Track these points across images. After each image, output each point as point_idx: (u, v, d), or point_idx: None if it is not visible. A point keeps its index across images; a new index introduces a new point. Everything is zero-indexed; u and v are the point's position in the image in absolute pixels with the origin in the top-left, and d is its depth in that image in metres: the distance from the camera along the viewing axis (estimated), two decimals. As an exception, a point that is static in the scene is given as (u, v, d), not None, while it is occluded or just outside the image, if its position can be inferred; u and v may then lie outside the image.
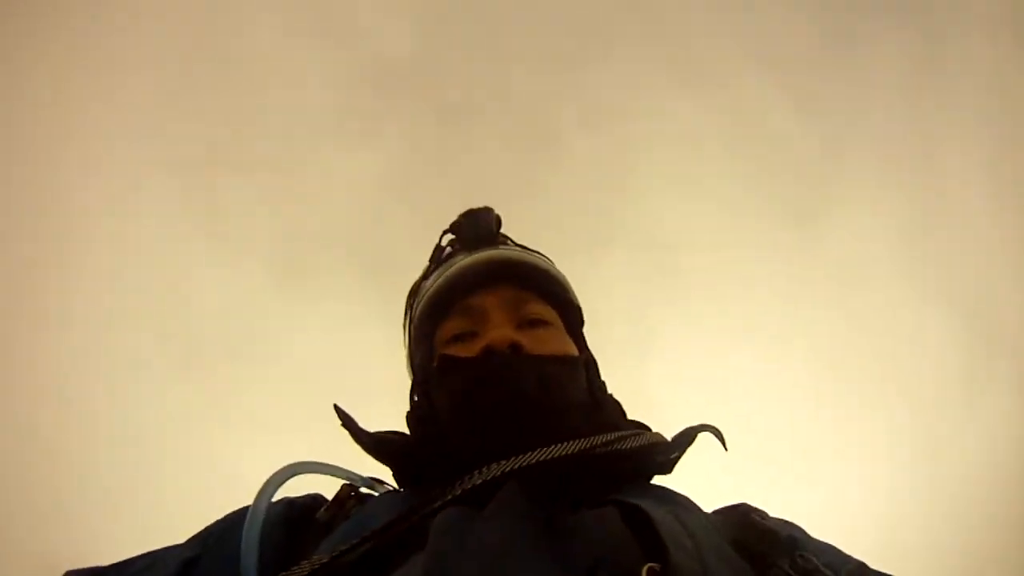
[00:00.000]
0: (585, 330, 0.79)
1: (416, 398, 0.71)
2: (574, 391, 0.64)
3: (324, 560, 0.45)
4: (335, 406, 0.64)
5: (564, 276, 0.78)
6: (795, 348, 2.79)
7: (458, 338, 0.67)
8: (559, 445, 0.52)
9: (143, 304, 2.72)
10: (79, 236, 2.72)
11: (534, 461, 0.50)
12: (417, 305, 0.74)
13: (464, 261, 0.71)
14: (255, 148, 2.97)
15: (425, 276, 0.75)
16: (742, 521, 0.56)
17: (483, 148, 2.70)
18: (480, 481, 0.49)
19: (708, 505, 0.59)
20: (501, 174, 2.68)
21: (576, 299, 0.78)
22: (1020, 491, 2.91)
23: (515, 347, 0.62)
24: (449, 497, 0.49)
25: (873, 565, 0.54)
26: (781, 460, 2.65)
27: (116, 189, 2.93)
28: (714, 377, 2.64)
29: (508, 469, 0.50)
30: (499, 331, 0.63)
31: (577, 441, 0.53)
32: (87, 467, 2.54)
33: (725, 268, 2.70)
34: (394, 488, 0.66)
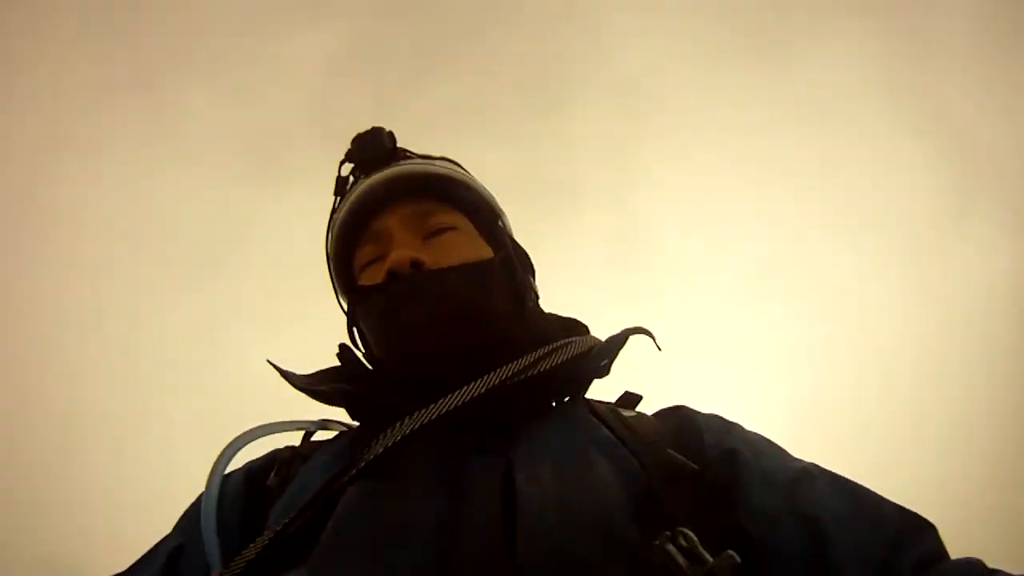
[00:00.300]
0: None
1: (348, 333, 0.72)
2: (488, 298, 0.63)
3: (265, 542, 0.46)
4: (268, 361, 0.64)
5: (470, 175, 0.75)
6: (777, 180, 2.78)
7: (370, 264, 0.67)
8: (469, 386, 0.53)
9: (118, 212, 2.74)
10: (46, 146, 2.70)
11: (444, 411, 0.51)
12: (328, 239, 0.73)
13: (361, 186, 0.69)
14: (208, 47, 2.89)
15: (334, 209, 0.73)
16: (677, 439, 0.57)
17: (434, 8, 2.61)
18: (390, 443, 0.50)
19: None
20: (457, 34, 2.60)
21: (486, 195, 0.75)
22: (1004, 325, 2.95)
23: (415, 264, 0.61)
24: (363, 464, 0.50)
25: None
26: (764, 288, 2.70)
27: (78, 104, 2.89)
28: (698, 210, 2.65)
29: (416, 426, 0.51)
30: (398, 252, 0.62)
31: (492, 374, 0.54)
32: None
33: (698, 103, 2.65)
34: (345, 426, 0.68)
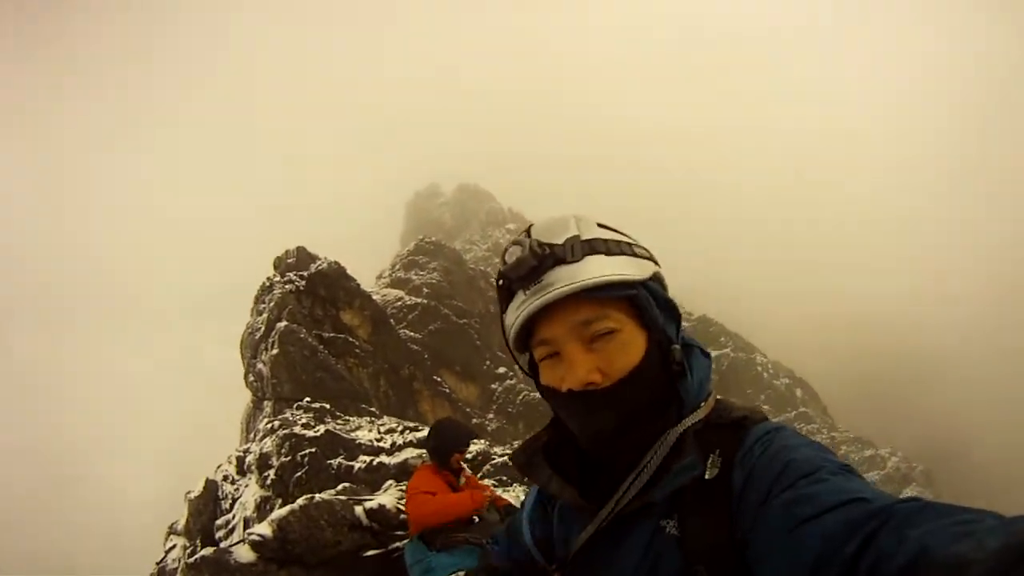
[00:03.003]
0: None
1: (554, 415, 0.94)
2: (647, 394, 0.82)
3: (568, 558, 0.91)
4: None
5: (618, 257, 0.84)
6: None
7: (546, 359, 0.86)
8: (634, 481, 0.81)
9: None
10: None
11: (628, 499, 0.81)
12: (509, 340, 0.89)
13: (526, 310, 0.82)
14: None
15: (502, 311, 0.89)
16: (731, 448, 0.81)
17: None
18: (608, 515, 0.83)
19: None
20: None
21: (636, 274, 0.84)
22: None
23: (590, 386, 0.81)
24: (598, 526, 0.84)
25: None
26: None
27: None
28: None
29: (619, 507, 0.82)
30: (574, 374, 0.81)
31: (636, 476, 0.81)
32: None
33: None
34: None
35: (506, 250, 0.84)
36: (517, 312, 0.84)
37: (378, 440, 11.91)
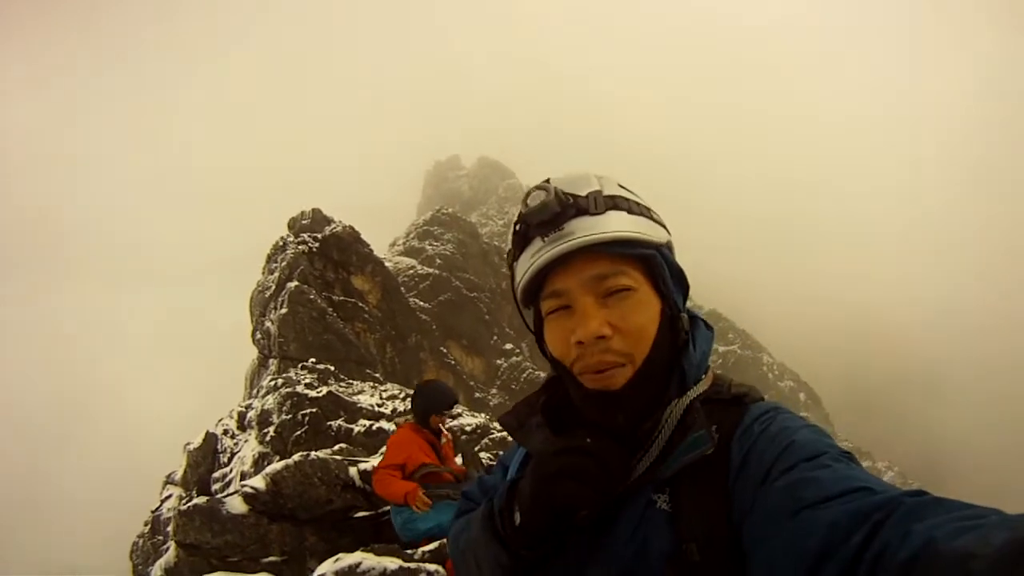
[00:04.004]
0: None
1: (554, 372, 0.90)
2: (656, 358, 0.80)
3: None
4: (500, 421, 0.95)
5: (638, 217, 0.82)
6: None
7: (554, 312, 0.82)
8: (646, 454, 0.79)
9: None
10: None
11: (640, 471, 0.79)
12: (517, 288, 0.86)
13: (541, 253, 0.80)
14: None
15: (514, 257, 0.86)
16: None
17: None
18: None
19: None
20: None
21: (654, 237, 0.82)
22: None
23: (600, 337, 0.77)
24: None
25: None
26: None
27: None
28: None
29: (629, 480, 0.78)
30: (585, 326, 0.77)
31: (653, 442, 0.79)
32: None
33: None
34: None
35: (529, 194, 0.82)
36: (533, 259, 0.81)
37: (379, 405, 12.02)
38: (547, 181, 0.83)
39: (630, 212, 0.81)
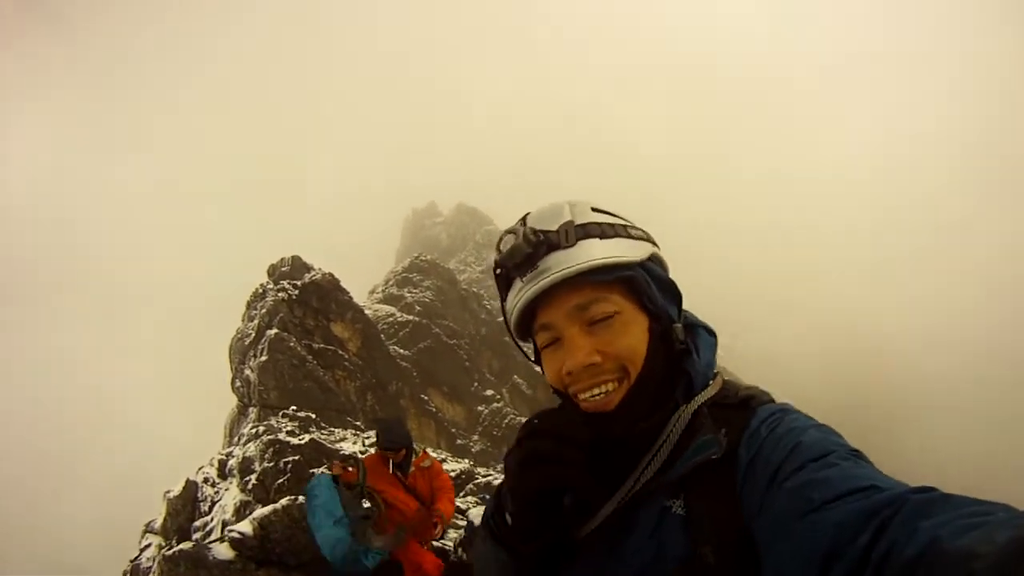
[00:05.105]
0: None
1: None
2: (649, 375, 0.82)
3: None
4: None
5: (613, 240, 0.84)
6: None
7: (547, 346, 0.86)
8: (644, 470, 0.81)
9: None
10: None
11: (634, 488, 0.81)
12: (511, 327, 0.90)
13: (523, 297, 0.84)
14: None
15: (502, 299, 0.90)
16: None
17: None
18: (614, 507, 0.82)
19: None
20: None
21: (635, 255, 0.85)
22: None
23: (591, 367, 0.81)
24: (614, 507, 0.81)
25: None
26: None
27: None
28: None
29: (637, 486, 0.80)
30: (573, 359, 0.81)
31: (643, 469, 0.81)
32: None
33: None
34: None
35: (501, 239, 0.86)
36: (516, 299, 0.85)
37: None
38: (523, 219, 0.87)
39: (603, 237, 0.83)
